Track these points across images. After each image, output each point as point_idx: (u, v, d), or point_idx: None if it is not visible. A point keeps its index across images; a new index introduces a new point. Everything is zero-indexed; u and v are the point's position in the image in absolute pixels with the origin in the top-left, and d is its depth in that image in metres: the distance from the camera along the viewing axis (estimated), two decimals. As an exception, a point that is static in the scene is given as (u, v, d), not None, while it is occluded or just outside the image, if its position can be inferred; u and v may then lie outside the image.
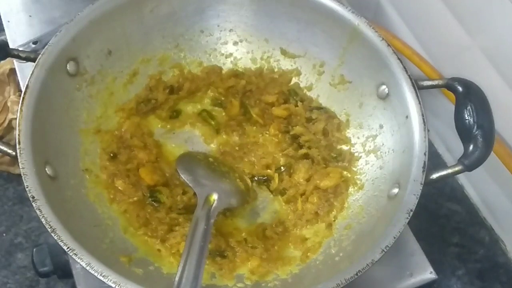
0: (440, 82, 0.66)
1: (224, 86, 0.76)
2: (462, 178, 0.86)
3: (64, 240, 0.54)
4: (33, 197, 0.56)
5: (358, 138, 0.72)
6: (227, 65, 0.78)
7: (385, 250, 0.56)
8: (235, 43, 0.78)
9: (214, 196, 0.64)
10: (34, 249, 0.70)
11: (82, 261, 0.53)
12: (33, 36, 0.83)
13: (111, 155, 0.70)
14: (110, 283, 0.52)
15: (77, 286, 0.66)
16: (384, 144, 0.69)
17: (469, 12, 0.68)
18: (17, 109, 0.60)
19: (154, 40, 0.75)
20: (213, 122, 0.76)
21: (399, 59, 0.66)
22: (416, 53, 0.79)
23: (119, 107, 0.73)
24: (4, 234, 0.86)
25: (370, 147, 0.70)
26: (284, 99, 0.76)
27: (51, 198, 0.57)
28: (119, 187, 0.67)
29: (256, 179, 0.72)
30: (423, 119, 0.63)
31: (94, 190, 0.66)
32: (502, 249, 0.81)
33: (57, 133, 0.64)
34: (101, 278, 0.53)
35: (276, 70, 0.78)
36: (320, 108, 0.75)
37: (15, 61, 0.84)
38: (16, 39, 0.84)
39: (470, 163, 0.60)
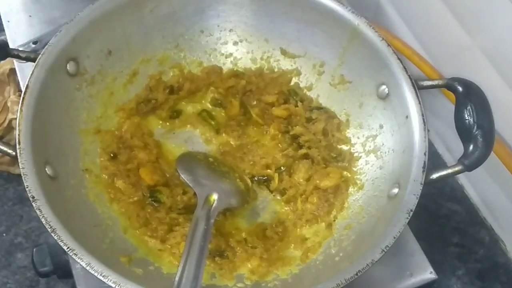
0: (440, 82, 0.66)
1: (224, 86, 0.76)
2: (462, 178, 0.86)
3: (64, 240, 0.54)
4: (33, 197, 0.56)
5: (358, 138, 0.72)
6: (227, 65, 0.78)
7: (385, 250, 0.56)
8: (235, 43, 0.78)
9: (214, 196, 0.64)
10: (34, 249, 0.70)
11: (82, 261, 0.53)
12: (33, 36, 0.83)
13: (111, 155, 0.70)
14: (110, 283, 0.52)
15: (77, 286, 0.66)
16: (384, 144, 0.69)
17: (469, 12, 0.68)
18: (17, 109, 0.60)
19: (154, 40, 0.75)
20: (213, 122, 0.76)
21: (399, 59, 0.66)
22: (416, 53, 0.79)
23: (119, 107, 0.73)
24: (4, 234, 0.86)
25: (370, 147, 0.70)
26: (284, 99, 0.76)
27: (51, 198, 0.57)
28: (119, 187, 0.67)
29: (256, 179, 0.72)
30: (423, 119, 0.63)
31: (94, 190, 0.66)
32: (502, 249, 0.81)
33: (57, 133, 0.64)
34: (101, 278, 0.53)
35: (276, 70, 0.78)
36: (320, 108, 0.75)
37: (15, 61, 0.84)
38: (16, 39, 0.84)
39: (470, 163, 0.60)
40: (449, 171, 0.60)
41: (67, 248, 0.54)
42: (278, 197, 0.71)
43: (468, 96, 0.62)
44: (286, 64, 0.78)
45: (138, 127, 0.73)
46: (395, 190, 0.62)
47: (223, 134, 0.75)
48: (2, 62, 0.90)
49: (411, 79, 0.65)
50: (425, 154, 0.61)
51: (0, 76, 0.90)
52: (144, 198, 0.68)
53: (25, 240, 0.86)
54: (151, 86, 0.75)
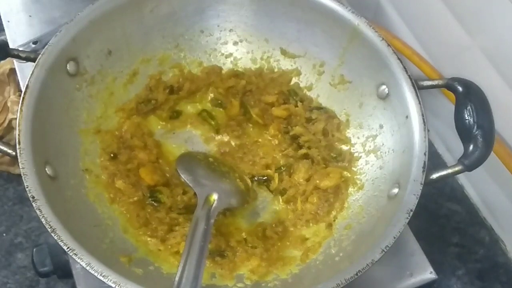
0: (440, 82, 0.66)
1: (224, 86, 0.76)
2: (462, 178, 0.86)
3: (64, 240, 0.54)
4: (33, 197, 0.56)
5: (358, 138, 0.72)
6: (227, 65, 0.78)
7: (385, 250, 0.56)
8: (235, 43, 0.78)
9: (214, 196, 0.64)
10: (34, 249, 0.70)
11: (82, 261, 0.53)
12: (33, 36, 0.83)
13: (111, 155, 0.70)
14: (110, 283, 0.52)
15: (77, 286, 0.66)
16: (384, 144, 0.69)
17: (469, 12, 0.68)
18: (17, 109, 0.60)
19: (154, 40, 0.75)
20: (213, 122, 0.76)
21: (399, 59, 0.66)
22: (416, 53, 0.79)
23: (119, 107, 0.73)
24: (4, 234, 0.86)
25: (370, 147, 0.70)
26: (284, 99, 0.76)
27: (51, 198, 0.57)
28: (119, 187, 0.67)
29: (256, 179, 0.72)
30: (423, 119, 0.63)
31: (94, 190, 0.66)
32: (502, 249, 0.81)
33: (57, 133, 0.64)
34: (101, 278, 0.53)
35: (276, 70, 0.78)
36: (320, 108, 0.75)
37: (15, 61, 0.84)
38: (16, 39, 0.84)
39: (470, 163, 0.60)
40: (449, 171, 0.60)
41: (67, 248, 0.54)
42: (278, 197, 0.71)
43: (468, 96, 0.62)
44: (286, 64, 0.78)
45: (138, 127, 0.73)
46: (395, 190, 0.62)
47: (223, 134, 0.75)
48: (2, 62, 0.90)
49: (411, 79, 0.65)
50: (425, 154, 0.61)
51: (0, 76, 0.90)
52: (144, 198, 0.68)
53: (25, 240, 0.85)
54: (151, 86, 0.75)
